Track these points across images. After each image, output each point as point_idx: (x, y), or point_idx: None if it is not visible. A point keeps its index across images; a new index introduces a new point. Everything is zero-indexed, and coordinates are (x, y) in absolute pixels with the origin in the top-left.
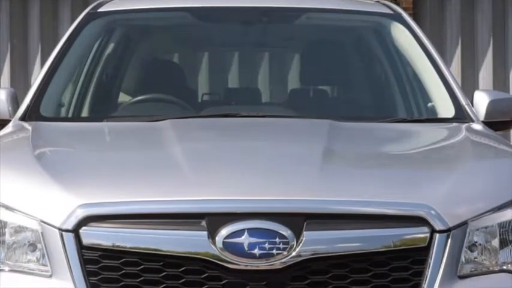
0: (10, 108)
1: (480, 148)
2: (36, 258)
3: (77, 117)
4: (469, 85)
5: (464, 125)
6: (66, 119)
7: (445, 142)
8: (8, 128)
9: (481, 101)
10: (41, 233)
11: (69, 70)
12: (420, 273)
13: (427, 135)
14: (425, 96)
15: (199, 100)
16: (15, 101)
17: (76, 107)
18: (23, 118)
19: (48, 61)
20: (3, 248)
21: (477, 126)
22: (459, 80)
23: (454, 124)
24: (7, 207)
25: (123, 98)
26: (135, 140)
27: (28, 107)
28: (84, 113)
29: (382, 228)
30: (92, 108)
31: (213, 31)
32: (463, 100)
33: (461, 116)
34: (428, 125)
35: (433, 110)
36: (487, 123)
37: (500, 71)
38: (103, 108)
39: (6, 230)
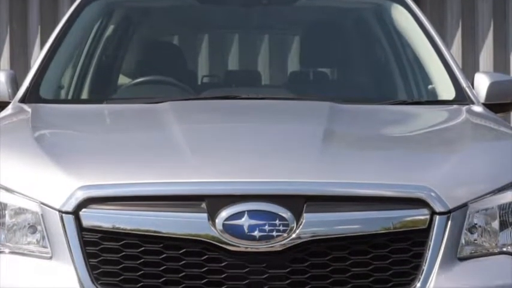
0: (10, 90)
1: (480, 130)
2: (36, 240)
3: (76, 99)
4: (470, 67)
5: (464, 107)
6: (65, 101)
7: (445, 124)
8: (8, 110)
9: (482, 83)
10: (41, 215)
11: (69, 52)
12: (420, 255)
13: (427, 117)
14: (426, 78)
15: (199, 82)
16: (15, 83)
17: (76, 89)
18: (23, 100)
19: (48, 43)
20: (3, 230)
21: (477, 108)
22: (459, 62)
23: (455, 106)
24: (7, 189)
25: (122, 80)
26: (135, 122)
27: (28, 89)
28: (84, 95)
29: (382, 210)
30: (92, 91)
31: (213, 13)
32: (463, 82)
33: (462, 98)
34: (428, 107)
35: (433, 92)
36: (487, 105)
37: (500, 53)
38: (103, 91)
39: (6, 212)
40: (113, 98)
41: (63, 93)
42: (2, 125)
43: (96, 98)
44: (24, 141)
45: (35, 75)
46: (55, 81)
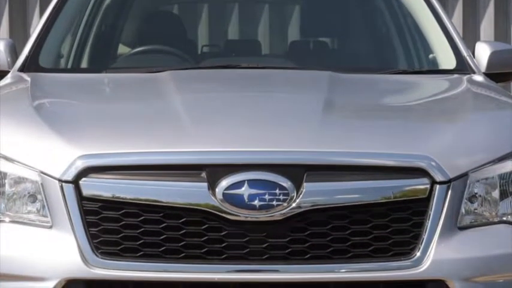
0: (9, 60)
1: (481, 100)
2: (37, 209)
3: (76, 69)
4: (471, 37)
5: (465, 77)
6: (65, 70)
7: (446, 94)
8: (7, 79)
9: (483, 53)
10: (41, 184)
11: (68, 21)
12: (420, 225)
13: (428, 86)
14: (427, 48)
15: (199, 52)
16: (14, 52)
17: (75, 58)
18: (22, 69)
19: (47, 12)
20: (3, 199)
21: (478, 78)
22: (460, 32)
23: (455, 76)
24: (7, 158)
25: (122, 49)
26: (135, 91)
27: (27, 58)
28: (84, 64)
29: (382, 180)
30: (91, 60)
31: None
32: (464, 51)
33: (463, 67)
34: (429, 76)
35: (434, 62)
36: (488, 74)
37: (501, 22)
38: (102, 60)
39: (6, 181)
40: (112, 67)
41: (62, 62)
42: (2, 94)
43: (95, 67)
44: (23, 110)
45: (34, 44)
46: (54, 50)
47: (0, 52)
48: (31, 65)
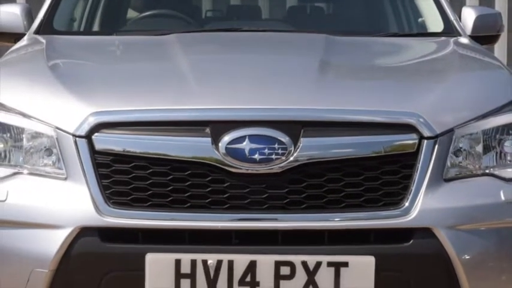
0: (25, 23)
1: (467, 61)
2: (52, 162)
3: (88, 31)
4: (457, 1)
5: (452, 39)
6: (78, 33)
7: (434, 55)
8: (23, 41)
9: (468, 17)
10: (56, 138)
11: None
12: (409, 177)
13: (417, 48)
14: (416, 12)
15: (203, 16)
16: (30, 16)
17: (87, 22)
18: (37, 32)
19: None
20: (21, 152)
21: (464, 40)
22: None
23: (443, 38)
24: (24, 115)
25: (131, 14)
26: (143, 52)
27: (42, 21)
28: (95, 27)
29: (373, 135)
30: (102, 23)
31: None
32: (451, 15)
33: (450, 30)
34: (418, 39)
35: (423, 25)
36: (473, 37)
37: None
38: (112, 23)
39: (23, 136)
40: (122, 30)
41: (75, 25)
42: (19, 55)
43: (106, 30)
44: (39, 70)
45: (48, 8)
46: (68, 14)
47: (17, 16)
48: (46, 28)
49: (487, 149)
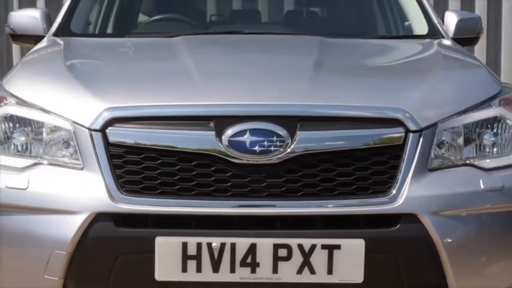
0: (45, 26)
1: (449, 61)
2: (70, 153)
3: (102, 34)
4: (440, 7)
5: (436, 41)
6: (93, 35)
7: (419, 56)
8: (43, 43)
9: (451, 20)
10: (73, 132)
11: None
12: (396, 167)
13: (403, 49)
14: (403, 16)
15: (208, 20)
16: (49, 20)
17: (101, 25)
18: (56, 34)
19: None
20: (42, 144)
21: (447, 42)
22: (432, 2)
23: (427, 40)
24: (44, 110)
25: (142, 18)
26: (153, 53)
27: (60, 24)
28: (109, 30)
29: (363, 129)
30: (115, 26)
31: None
32: (435, 19)
33: (434, 33)
34: (405, 41)
35: (409, 28)
36: (455, 39)
37: None
38: (125, 26)
39: (43, 129)
40: (133, 32)
41: (90, 28)
42: (39, 56)
43: (119, 32)
44: (58, 69)
45: (66, 12)
46: (84, 17)
47: (37, 19)
48: (64, 31)
49: (467, 141)
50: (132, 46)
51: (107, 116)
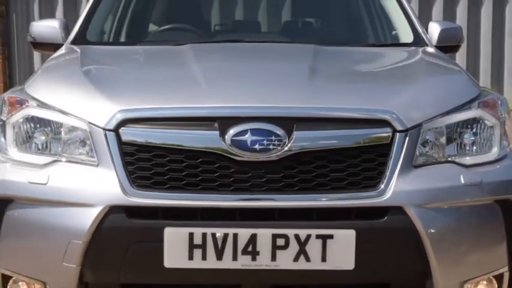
0: (63, 35)
1: (433, 66)
2: (86, 151)
3: (116, 42)
4: (425, 17)
5: (420, 49)
6: (107, 43)
7: (405, 62)
8: (61, 50)
9: (434, 30)
10: (89, 132)
11: (109, 4)
12: (384, 164)
13: (391, 56)
14: (390, 26)
15: (212, 29)
16: (67, 29)
17: (115, 34)
18: (73, 42)
19: None
20: (60, 143)
21: (431, 50)
22: (417, 13)
23: (413, 48)
24: (62, 112)
25: (152, 27)
26: (163, 59)
27: (77, 33)
28: (122, 38)
29: (354, 129)
30: (128, 35)
31: None
32: (419, 29)
33: (418, 41)
34: (392, 48)
35: (396, 37)
36: (438, 47)
37: (449, 6)
38: (136, 35)
39: (62, 129)
40: (144, 41)
41: (105, 37)
42: (57, 62)
43: (131, 41)
44: (75, 74)
45: (82, 22)
46: (99, 27)
47: (56, 29)
48: (80, 39)
49: (449, 140)
50: (143, 53)
51: (120, 117)
